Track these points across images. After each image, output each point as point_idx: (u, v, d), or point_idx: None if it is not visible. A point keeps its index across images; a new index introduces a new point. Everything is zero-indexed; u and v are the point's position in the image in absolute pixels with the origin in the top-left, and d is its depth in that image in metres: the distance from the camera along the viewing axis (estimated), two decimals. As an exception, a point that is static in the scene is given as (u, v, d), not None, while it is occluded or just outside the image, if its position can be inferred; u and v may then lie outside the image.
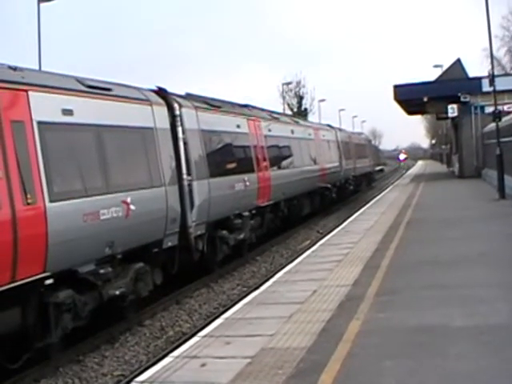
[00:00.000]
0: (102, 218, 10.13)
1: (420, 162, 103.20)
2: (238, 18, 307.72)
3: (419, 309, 8.29)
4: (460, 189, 30.28)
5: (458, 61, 41.18)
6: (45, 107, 9.31)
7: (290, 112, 57.22)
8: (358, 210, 26.02)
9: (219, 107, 17.30)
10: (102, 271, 10.24)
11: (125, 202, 10.86)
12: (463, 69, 40.30)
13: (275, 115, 24.69)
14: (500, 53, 54.12)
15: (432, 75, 49.60)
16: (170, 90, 14.51)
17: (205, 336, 8.24)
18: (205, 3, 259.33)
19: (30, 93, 9.02)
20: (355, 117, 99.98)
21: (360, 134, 58.51)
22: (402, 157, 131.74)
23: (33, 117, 8.95)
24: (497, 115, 24.03)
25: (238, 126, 18.28)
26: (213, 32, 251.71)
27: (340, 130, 41.13)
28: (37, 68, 20.52)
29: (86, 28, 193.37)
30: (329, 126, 37.63)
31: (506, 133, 23.86)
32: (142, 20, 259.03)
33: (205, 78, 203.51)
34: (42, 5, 28.25)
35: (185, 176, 13.66)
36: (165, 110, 13.46)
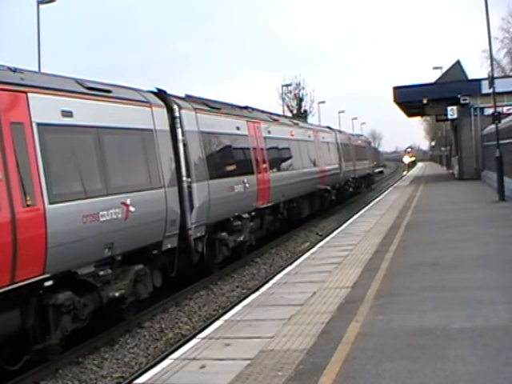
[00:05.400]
0: (101, 219, 10.13)
1: (420, 164, 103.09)
2: (237, 22, 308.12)
3: (419, 311, 8.28)
4: (459, 191, 30.29)
5: (458, 62, 41.21)
6: (44, 109, 9.31)
7: (289, 114, 57.25)
8: (358, 211, 26.06)
9: (219, 109, 17.30)
10: (101, 273, 10.23)
11: (124, 204, 10.86)
12: (463, 71, 40.34)
13: (275, 117, 24.69)
14: (500, 54, 54.27)
15: (432, 77, 49.52)
16: (169, 91, 14.51)
17: (204, 338, 8.23)
18: (205, 8, 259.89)
19: (29, 94, 9.01)
20: (355, 119, 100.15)
21: (359, 135, 58.47)
22: (406, 160, 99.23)
23: (32, 118, 8.94)
24: (496, 117, 24.05)
25: (238, 128, 18.28)
26: (213, 36, 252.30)
27: (340, 131, 41.12)
28: (36, 70, 20.55)
29: (85, 30, 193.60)
30: (328, 127, 37.64)
31: (505, 135, 23.88)
32: (142, 23, 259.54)
33: (205, 81, 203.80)
34: (42, 7, 28.33)
35: (184, 178, 13.66)
36: (164, 111, 13.46)
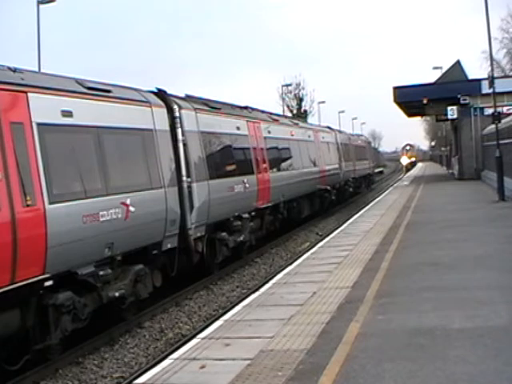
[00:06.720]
0: (101, 219, 10.13)
1: (420, 164, 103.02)
2: (238, 22, 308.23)
3: (419, 311, 8.28)
4: (459, 191, 30.28)
5: (458, 63, 41.17)
6: (44, 109, 9.31)
7: (289, 114, 57.26)
8: (358, 211, 26.05)
9: (219, 109, 17.30)
10: (101, 273, 10.23)
11: (124, 204, 10.86)
12: (463, 71, 40.30)
13: (275, 117, 24.69)
14: (499, 55, 54.28)
15: (432, 77, 49.50)
16: (169, 91, 14.51)
17: (204, 338, 8.23)
18: (205, 8, 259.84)
19: (29, 94, 9.01)
20: (355, 119, 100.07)
21: (359, 135, 58.48)
22: (404, 160, 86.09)
23: (32, 118, 8.95)
24: (496, 117, 24.05)
25: (238, 128, 18.28)
26: (213, 36, 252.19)
27: (340, 131, 41.12)
28: (36, 70, 20.54)
29: (85, 30, 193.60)
30: (328, 127, 37.64)
31: (505, 135, 23.88)
32: (142, 23, 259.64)
33: (205, 81, 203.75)
34: (42, 7, 28.35)
35: (184, 178, 13.66)
36: (164, 111, 13.46)
